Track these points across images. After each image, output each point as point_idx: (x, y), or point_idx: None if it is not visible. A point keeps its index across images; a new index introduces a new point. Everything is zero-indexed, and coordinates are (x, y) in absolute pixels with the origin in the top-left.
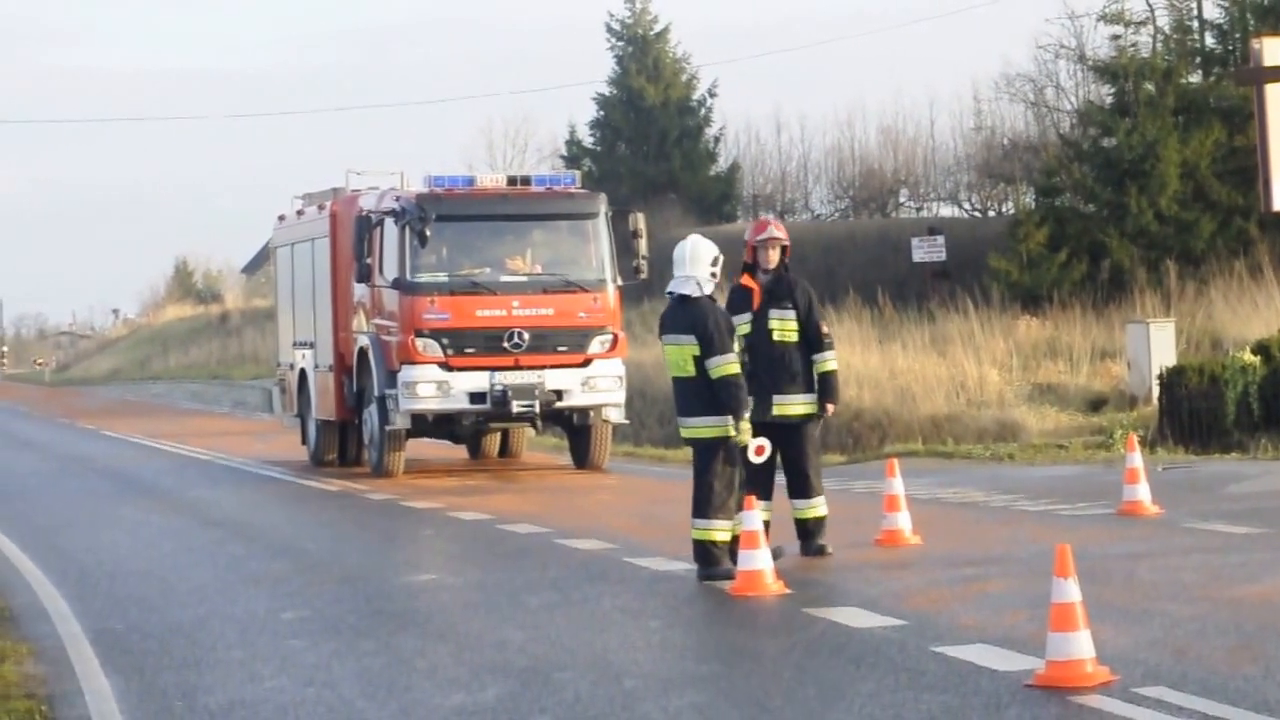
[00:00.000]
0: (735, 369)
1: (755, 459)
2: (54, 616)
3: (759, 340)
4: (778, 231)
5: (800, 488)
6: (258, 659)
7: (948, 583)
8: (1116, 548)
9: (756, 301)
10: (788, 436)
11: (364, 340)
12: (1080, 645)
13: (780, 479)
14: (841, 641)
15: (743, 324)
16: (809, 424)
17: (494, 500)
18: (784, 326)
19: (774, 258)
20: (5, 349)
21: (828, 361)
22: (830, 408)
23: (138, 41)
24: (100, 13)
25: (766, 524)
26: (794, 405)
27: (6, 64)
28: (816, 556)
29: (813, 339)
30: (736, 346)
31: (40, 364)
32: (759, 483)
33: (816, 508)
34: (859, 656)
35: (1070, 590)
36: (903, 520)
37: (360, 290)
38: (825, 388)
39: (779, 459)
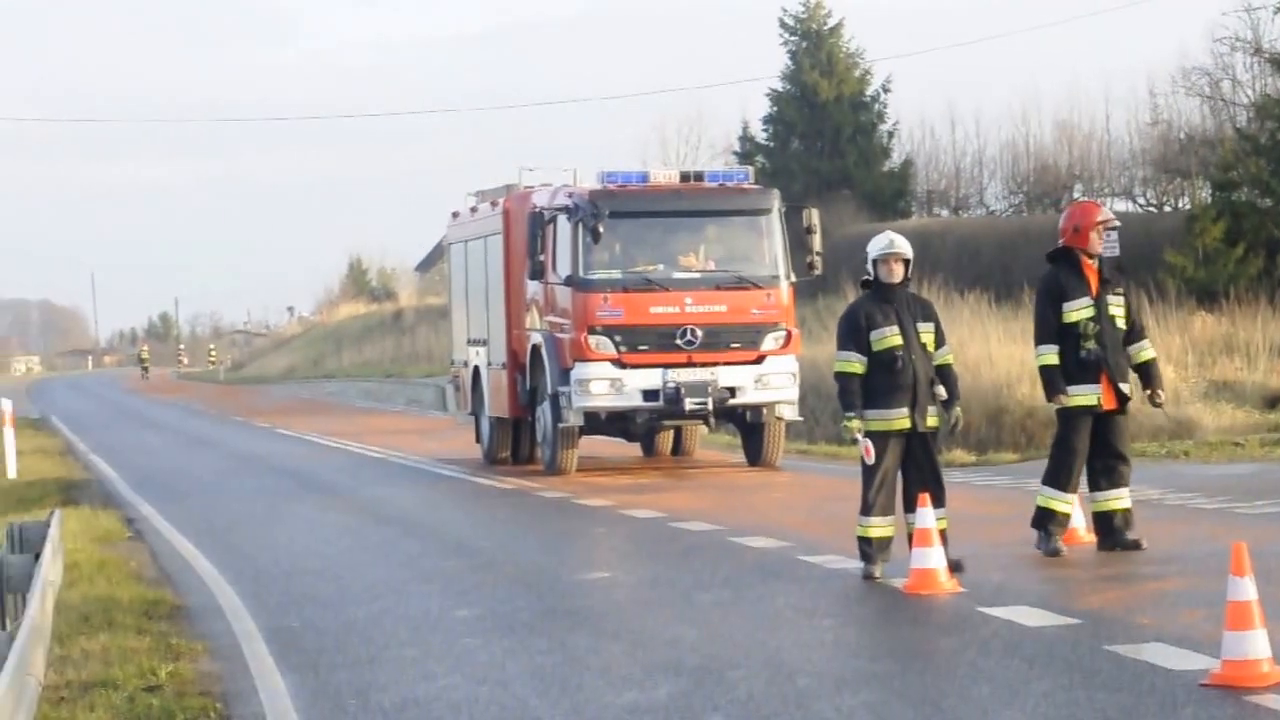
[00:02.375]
0: (837, 366)
1: (867, 459)
2: (229, 614)
3: (1104, 324)
4: (1110, 214)
5: (1118, 475)
6: (431, 657)
7: (1122, 581)
8: None
9: (1095, 286)
10: (1111, 421)
11: (537, 338)
12: (1256, 644)
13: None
14: (1015, 640)
15: (1085, 308)
16: (1127, 411)
17: (666, 498)
18: (1120, 313)
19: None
20: (183, 347)
21: (1149, 349)
22: (1162, 394)
23: (313, 40)
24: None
25: (942, 533)
26: (1126, 389)
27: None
28: (1132, 551)
29: (1137, 326)
30: (893, 338)
31: (214, 362)
32: (928, 484)
33: (1124, 498)
34: (1033, 656)
35: (1247, 589)
36: (1078, 518)
37: (533, 287)
38: (1153, 374)
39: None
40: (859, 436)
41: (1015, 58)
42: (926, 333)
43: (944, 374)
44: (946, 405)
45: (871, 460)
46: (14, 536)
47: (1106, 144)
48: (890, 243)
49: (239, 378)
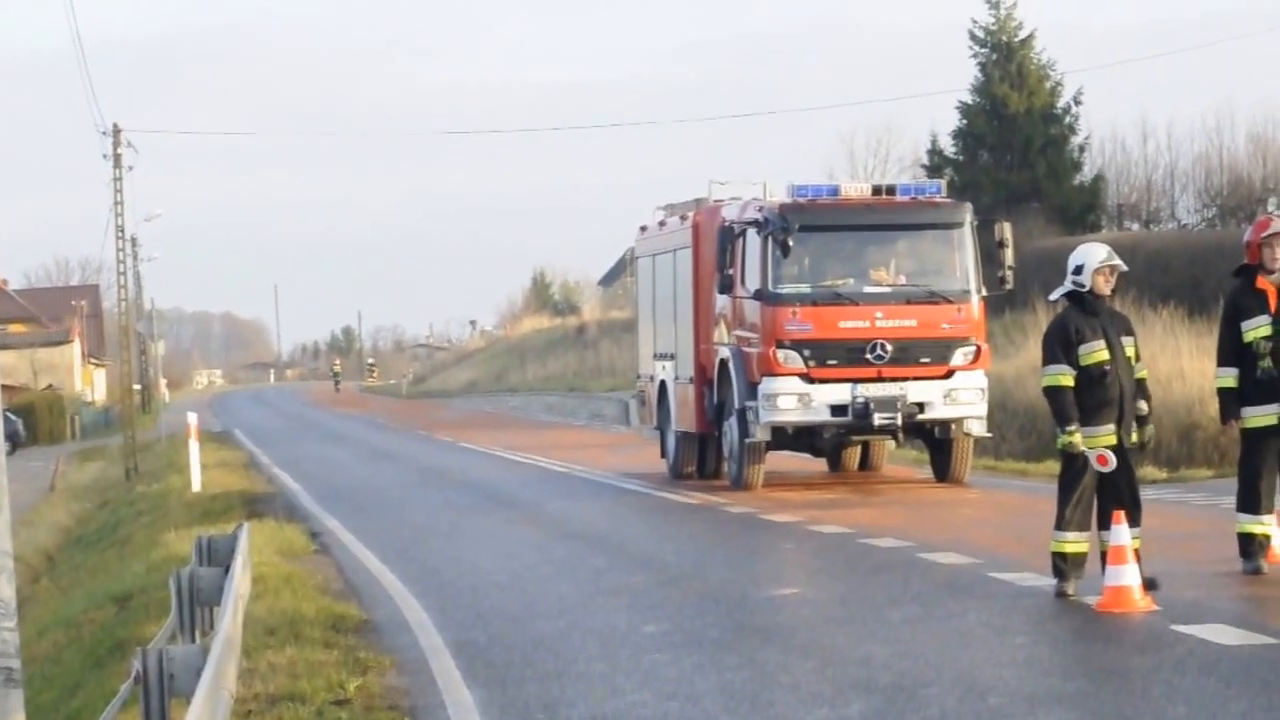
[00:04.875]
0: (1048, 380)
1: (1100, 468)
2: (415, 628)
3: None
4: None
5: None
6: (619, 672)
7: None
8: None
9: (1274, 303)
10: None
11: (725, 352)
12: None
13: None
14: (1211, 660)
15: (1262, 327)
16: None
17: (854, 514)
18: None
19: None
20: (372, 361)
21: None
22: None
23: (500, 55)
24: (464, 27)
25: (1136, 551)
26: None
27: (374, 78)
28: None
29: None
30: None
31: (374, 375)
32: (1125, 501)
33: None
34: (1229, 675)
35: None
36: (1276, 536)
37: (722, 301)
38: None
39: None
40: (1086, 449)
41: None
42: (1129, 346)
43: (1140, 389)
44: (1140, 422)
45: (1111, 467)
46: (203, 549)
47: None
48: (1109, 254)
49: (421, 391)
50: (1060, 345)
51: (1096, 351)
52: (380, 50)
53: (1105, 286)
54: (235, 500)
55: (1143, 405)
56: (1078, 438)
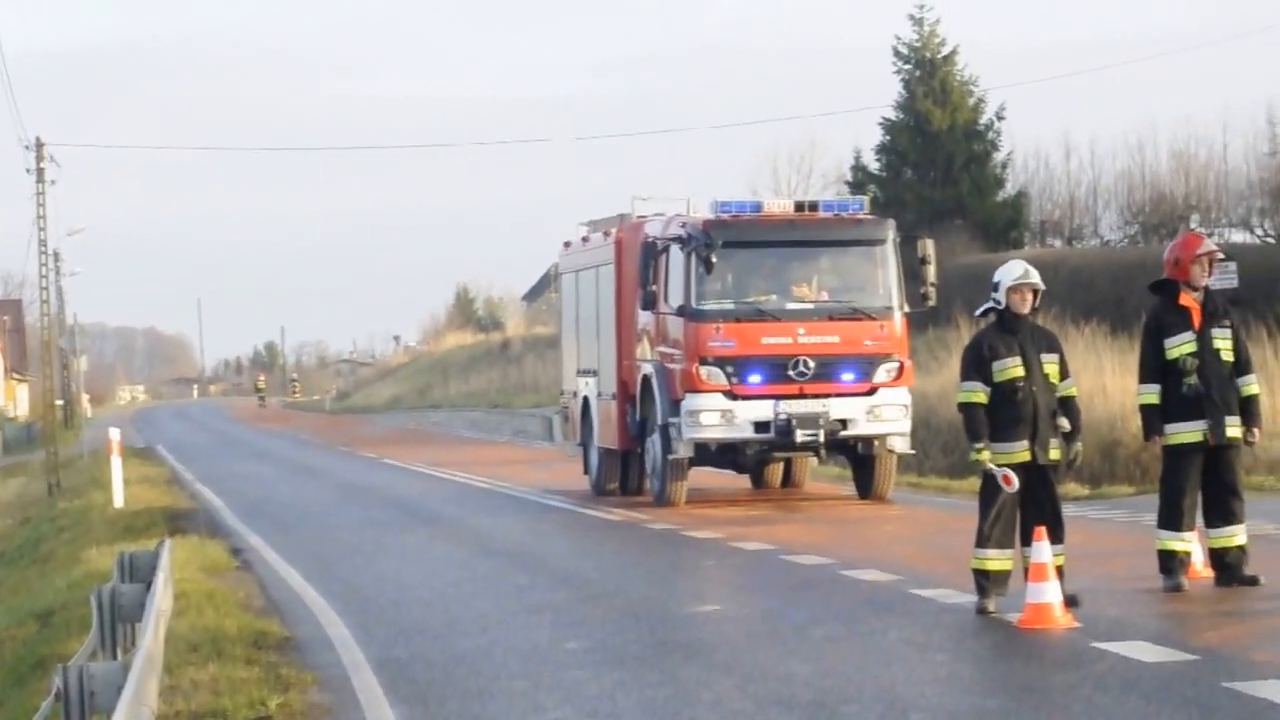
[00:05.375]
0: (961, 397)
1: (1006, 488)
2: (338, 645)
3: (1208, 359)
4: (1213, 246)
5: (1231, 512)
6: (541, 689)
7: (1240, 617)
8: None
9: (1197, 320)
10: (1223, 457)
11: (648, 368)
12: None
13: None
14: (1132, 676)
15: (1186, 343)
16: (1239, 446)
17: (777, 530)
18: (1226, 346)
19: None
20: (295, 377)
21: (1253, 384)
22: (1258, 433)
23: (426, 71)
24: (391, 43)
25: (1058, 568)
26: (1236, 426)
27: (301, 94)
28: (1249, 586)
29: (1243, 361)
30: (1015, 369)
31: (298, 392)
32: (1046, 518)
33: (1239, 534)
34: (1150, 692)
35: None
36: (1195, 553)
37: (645, 318)
38: (1253, 411)
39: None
40: (992, 466)
41: (1131, 87)
42: (1050, 364)
43: (1066, 406)
44: (1068, 438)
45: (1014, 488)
46: (125, 566)
47: (1224, 174)
48: (1026, 272)
49: (345, 407)
50: (974, 362)
51: (1010, 369)
52: (307, 65)
53: (1022, 305)
54: (158, 516)
55: (1064, 423)
56: (985, 455)
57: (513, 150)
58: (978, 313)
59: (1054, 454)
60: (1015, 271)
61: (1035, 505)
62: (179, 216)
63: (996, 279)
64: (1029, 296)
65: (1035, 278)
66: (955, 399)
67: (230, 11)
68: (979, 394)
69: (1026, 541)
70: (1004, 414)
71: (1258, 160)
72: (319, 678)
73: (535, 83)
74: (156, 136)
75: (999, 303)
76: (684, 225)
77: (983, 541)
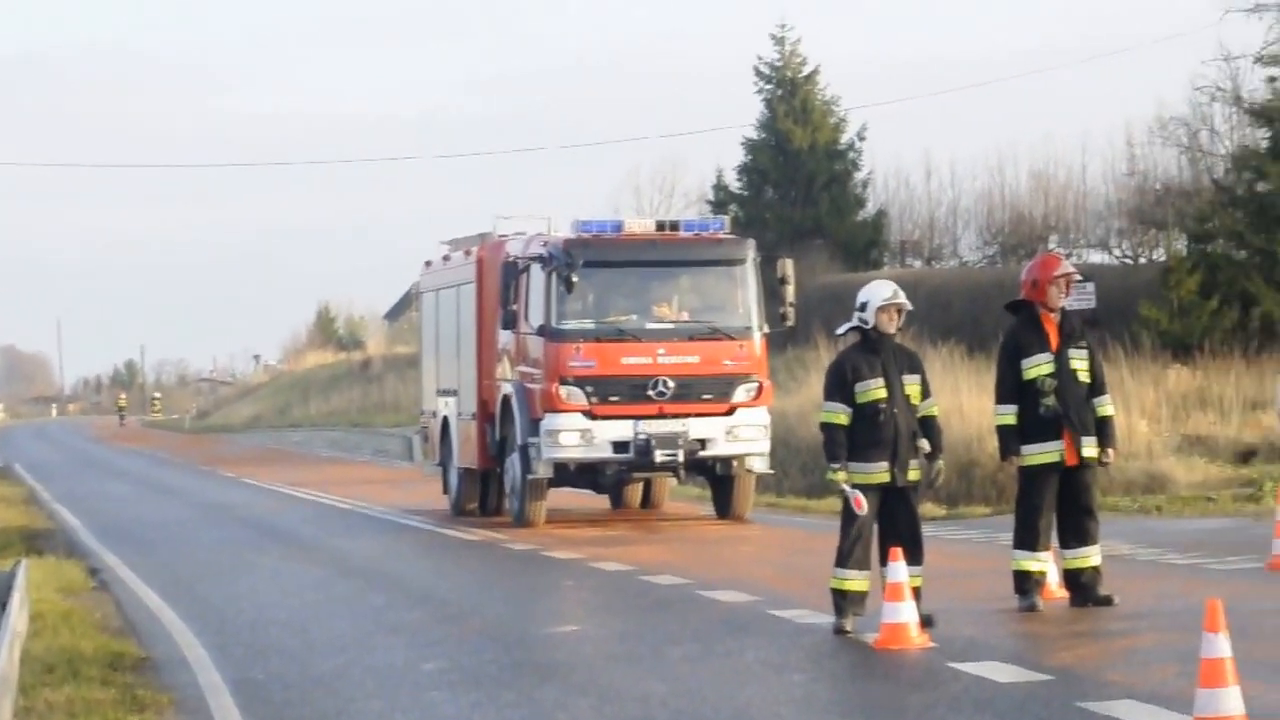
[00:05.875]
0: (822, 416)
1: (856, 511)
2: (194, 666)
3: (1065, 380)
4: (1070, 267)
5: (1086, 532)
6: (398, 710)
7: (1094, 637)
8: (1265, 602)
9: (1054, 341)
10: (1079, 478)
11: (508, 388)
12: (1230, 702)
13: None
14: (986, 696)
15: (1044, 364)
16: (1095, 467)
17: (636, 551)
18: (1082, 366)
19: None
20: (158, 395)
21: (1108, 405)
22: (1112, 454)
23: (285, 88)
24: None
25: (916, 588)
26: (1092, 447)
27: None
28: (1104, 606)
29: (1098, 381)
30: (877, 391)
31: (158, 410)
32: (904, 538)
33: (1093, 555)
34: (1004, 712)
35: (1220, 645)
36: (1051, 574)
37: (505, 337)
38: (1108, 431)
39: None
40: (846, 488)
41: (992, 108)
42: (912, 384)
43: (928, 426)
44: (929, 458)
45: (864, 511)
46: None
47: (1082, 194)
48: (895, 292)
49: (205, 426)
50: (837, 383)
51: (873, 390)
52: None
53: (889, 324)
54: (14, 536)
55: (924, 443)
56: (842, 475)
57: (377, 168)
58: (840, 332)
59: (913, 475)
60: (885, 291)
61: (894, 526)
62: (38, 233)
63: (864, 298)
64: (896, 316)
65: (903, 298)
66: (816, 418)
67: (96, 27)
68: (840, 415)
69: (885, 562)
70: (865, 435)
71: (1116, 181)
72: (175, 699)
73: (403, 100)
74: (16, 152)
75: (866, 322)
76: (545, 244)
77: (842, 561)
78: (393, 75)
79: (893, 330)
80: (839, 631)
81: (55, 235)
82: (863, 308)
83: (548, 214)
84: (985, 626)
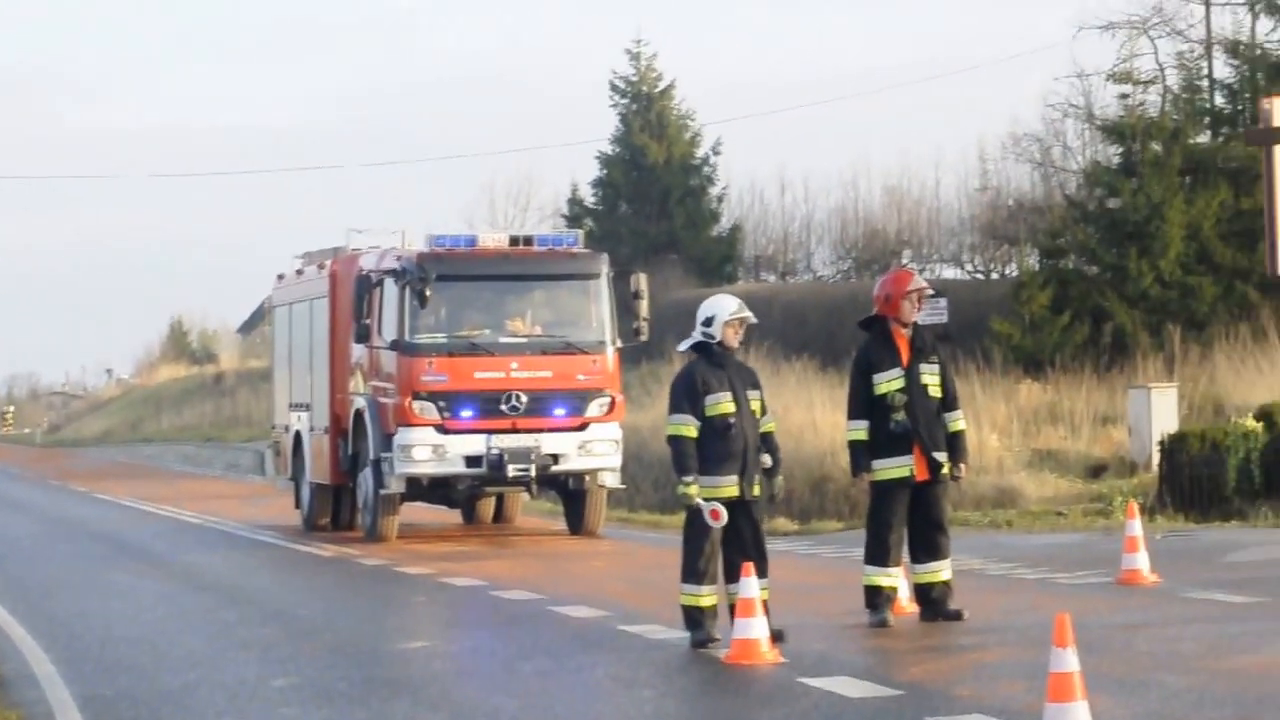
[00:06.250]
0: (671, 430)
1: (713, 523)
2: (43, 682)
3: (916, 395)
4: (923, 282)
5: (936, 547)
6: None
7: (944, 652)
8: (1115, 617)
9: (906, 356)
10: (930, 493)
11: (360, 402)
12: (1078, 716)
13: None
14: (836, 711)
15: (895, 380)
16: (945, 482)
17: (488, 566)
18: (934, 382)
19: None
20: (11, 409)
21: (960, 420)
22: (964, 468)
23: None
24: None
25: (764, 602)
26: (940, 460)
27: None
28: (954, 621)
29: (950, 397)
30: (727, 404)
31: (9, 424)
32: (750, 552)
33: (944, 570)
34: None
35: (1068, 660)
36: (901, 589)
37: (358, 351)
38: (959, 446)
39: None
40: (700, 501)
41: (847, 124)
42: (755, 400)
43: (767, 442)
44: (769, 474)
45: (721, 523)
46: None
47: (936, 210)
48: (740, 306)
49: (56, 440)
50: (687, 396)
51: (722, 403)
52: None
53: (734, 339)
54: None
55: (766, 459)
56: (694, 489)
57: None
58: (682, 347)
59: (757, 489)
60: (731, 306)
61: (740, 540)
62: None
63: (710, 313)
64: (741, 330)
65: (748, 312)
66: (665, 432)
67: None
68: (689, 427)
69: (731, 577)
70: (714, 449)
71: (969, 196)
72: (23, 715)
73: (257, 112)
74: None
75: (711, 337)
76: (398, 258)
77: (690, 577)
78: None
79: (736, 344)
80: (703, 643)
81: None
82: (708, 322)
83: (401, 228)
84: (836, 641)
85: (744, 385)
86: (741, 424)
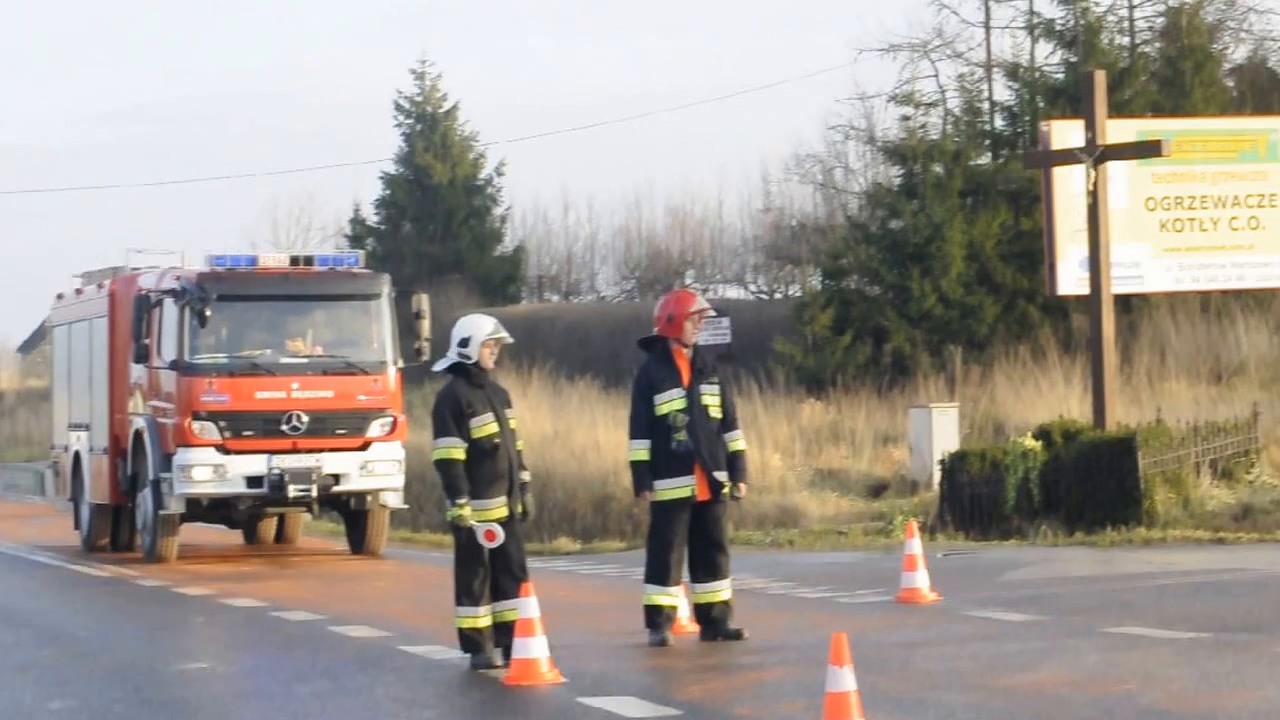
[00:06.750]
0: (440, 453)
1: (488, 544)
2: None
3: (697, 415)
4: (704, 303)
5: (717, 567)
6: None
7: (723, 671)
8: (893, 635)
9: (687, 376)
10: (711, 512)
11: (140, 422)
12: None
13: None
14: None
15: (676, 400)
16: (726, 502)
17: (268, 587)
18: (714, 402)
19: (696, 330)
20: None
21: (740, 440)
22: (744, 488)
23: None
24: None
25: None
26: (721, 480)
27: None
28: (733, 640)
29: (730, 417)
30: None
31: None
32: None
33: (724, 590)
34: None
35: (846, 679)
36: (682, 608)
37: (138, 371)
38: (740, 466)
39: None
40: (475, 523)
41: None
42: (513, 419)
43: (520, 460)
44: (522, 491)
45: (497, 543)
46: None
47: (719, 230)
48: (496, 326)
49: None
50: (453, 417)
51: (487, 424)
52: None
53: (490, 359)
54: None
55: (524, 475)
56: (467, 511)
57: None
58: (439, 367)
59: (521, 507)
60: (488, 326)
61: (504, 560)
62: None
63: (466, 334)
64: (495, 351)
65: (504, 332)
66: (433, 456)
67: None
68: (458, 450)
69: (506, 595)
70: (483, 470)
71: (752, 217)
72: None
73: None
74: None
75: (469, 358)
76: (178, 278)
77: (470, 599)
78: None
79: (492, 364)
80: (484, 665)
81: None
82: (465, 343)
83: (181, 247)
84: (616, 661)
85: (501, 405)
86: (505, 444)
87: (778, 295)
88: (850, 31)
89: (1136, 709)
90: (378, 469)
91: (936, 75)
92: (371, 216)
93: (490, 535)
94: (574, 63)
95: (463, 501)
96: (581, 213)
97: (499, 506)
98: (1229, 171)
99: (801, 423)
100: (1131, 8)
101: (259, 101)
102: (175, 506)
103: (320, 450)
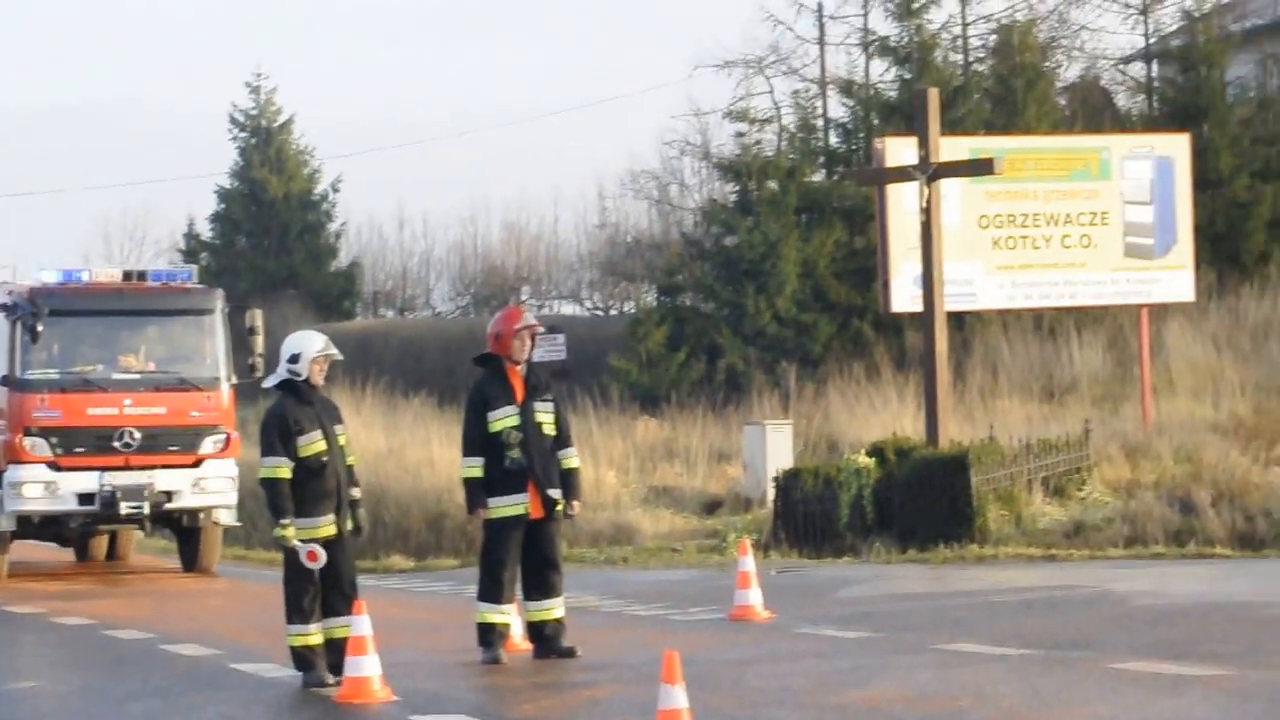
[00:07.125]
0: (266, 473)
1: (311, 564)
2: None
3: (530, 433)
4: (533, 320)
5: (549, 585)
6: None
7: (556, 689)
8: (726, 653)
9: (520, 393)
10: (544, 530)
11: None
12: None
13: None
14: None
15: (509, 417)
16: (559, 519)
17: (99, 605)
18: (548, 419)
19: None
20: None
21: (574, 457)
22: (578, 505)
23: None
24: None
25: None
26: (555, 497)
27: None
28: (566, 658)
29: (564, 434)
30: (319, 443)
31: None
32: (344, 588)
33: (556, 608)
34: None
35: (677, 697)
36: (515, 626)
37: None
38: (573, 484)
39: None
40: (298, 544)
41: (467, 161)
42: (342, 435)
43: (350, 476)
44: (354, 507)
45: (320, 564)
46: None
47: (555, 246)
48: (326, 343)
49: None
50: (279, 436)
51: (315, 443)
52: None
53: (320, 375)
54: None
55: (355, 492)
56: (291, 531)
57: None
58: (268, 384)
59: (350, 525)
60: (318, 343)
61: (334, 577)
62: None
63: (296, 350)
64: (325, 367)
65: (334, 349)
66: (259, 474)
67: None
68: (284, 469)
69: (335, 613)
70: (309, 488)
71: (588, 233)
72: None
73: None
74: None
75: (298, 374)
76: (9, 293)
77: (300, 617)
78: None
79: (321, 381)
80: (317, 684)
81: None
82: (294, 359)
83: (12, 262)
84: (448, 679)
85: (331, 421)
86: (334, 461)
87: (613, 311)
88: (686, 47)
89: None
90: (210, 486)
91: (771, 91)
92: (206, 231)
93: (313, 555)
94: (411, 79)
95: (286, 521)
96: (417, 228)
97: (327, 525)
98: (1061, 190)
99: (636, 439)
100: (965, 26)
101: (94, 114)
102: (6, 524)
103: (153, 467)
